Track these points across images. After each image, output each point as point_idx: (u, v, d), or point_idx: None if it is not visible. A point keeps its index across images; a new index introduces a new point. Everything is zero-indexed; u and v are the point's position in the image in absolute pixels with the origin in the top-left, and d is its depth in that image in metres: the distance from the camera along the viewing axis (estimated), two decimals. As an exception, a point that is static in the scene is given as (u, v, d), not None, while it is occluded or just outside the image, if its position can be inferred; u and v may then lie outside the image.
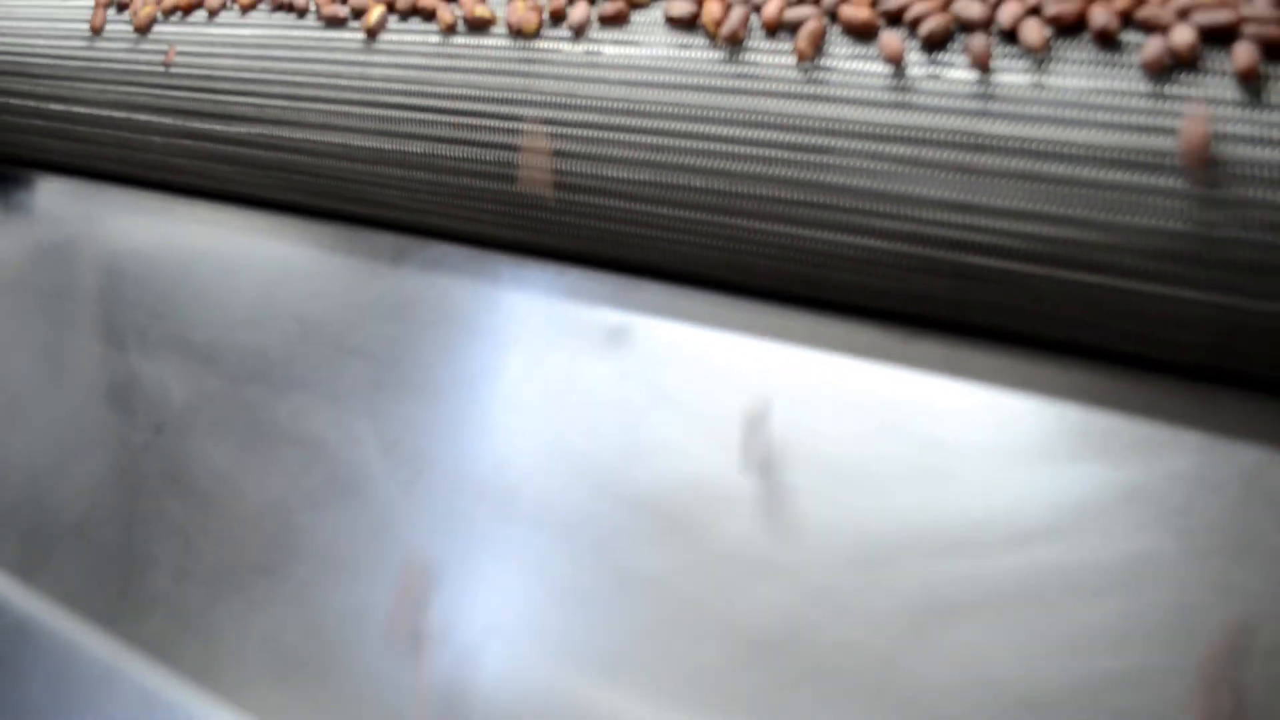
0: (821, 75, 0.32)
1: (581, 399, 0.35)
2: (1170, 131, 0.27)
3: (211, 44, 0.46)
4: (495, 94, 0.38)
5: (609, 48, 0.36)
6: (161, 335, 0.45)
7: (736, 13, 0.34)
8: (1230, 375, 0.28)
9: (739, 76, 0.33)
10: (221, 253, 0.47)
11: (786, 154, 0.32)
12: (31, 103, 0.54)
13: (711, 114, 0.34)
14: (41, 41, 0.53)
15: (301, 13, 0.44)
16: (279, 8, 0.45)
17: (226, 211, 0.48)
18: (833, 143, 0.32)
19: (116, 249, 0.51)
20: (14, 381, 0.48)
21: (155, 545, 0.40)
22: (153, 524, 0.41)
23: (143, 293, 0.47)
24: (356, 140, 0.41)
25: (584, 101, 0.36)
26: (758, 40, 0.33)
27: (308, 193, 0.45)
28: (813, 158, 0.32)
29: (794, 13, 0.33)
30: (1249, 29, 0.27)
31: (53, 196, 0.56)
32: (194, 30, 0.47)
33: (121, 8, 0.50)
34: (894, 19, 0.32)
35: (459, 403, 0.38)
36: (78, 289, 0.50)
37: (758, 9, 0.34)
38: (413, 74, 0.40)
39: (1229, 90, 0.26)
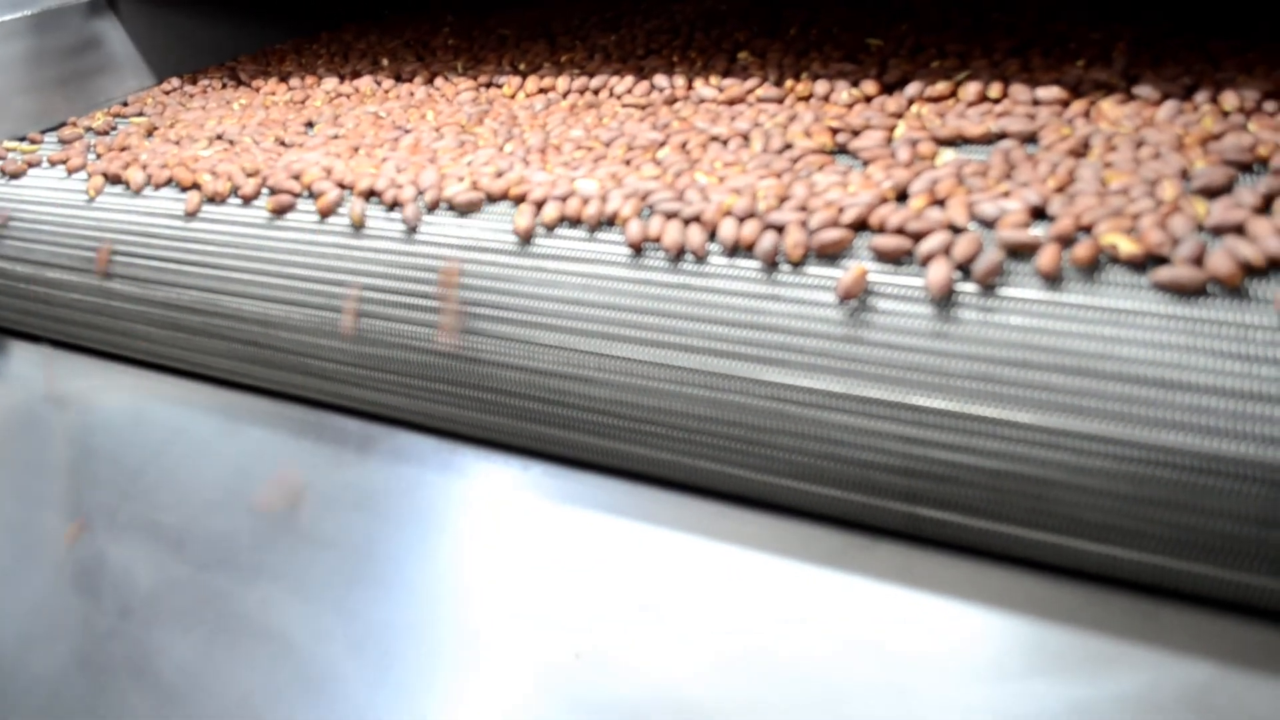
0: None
1: (551, 604, 0.35)
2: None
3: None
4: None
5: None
6: (130, 516, 0.45)
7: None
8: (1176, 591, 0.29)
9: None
10: (193, 432, 0.47)
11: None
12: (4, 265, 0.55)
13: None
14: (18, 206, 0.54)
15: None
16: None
17: (198, 389, 0.48)
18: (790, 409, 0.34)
19: (88, 423, 0.51)
20: (-22, 560, 0.48)
21: (118, 742, 0.39)
22: (116, 718, 0.40)
23: (113, 471, 0.47)
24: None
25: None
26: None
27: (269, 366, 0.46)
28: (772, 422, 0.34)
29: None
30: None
31: (23, 365, 0.57)
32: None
33: (115, 180, 0.52)
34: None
35: (426, 601, 0.38)
36: (47, 462, 0.50)
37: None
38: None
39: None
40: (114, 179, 0.52)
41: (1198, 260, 0.29)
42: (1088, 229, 0.31)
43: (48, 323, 0.55)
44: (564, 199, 0.39)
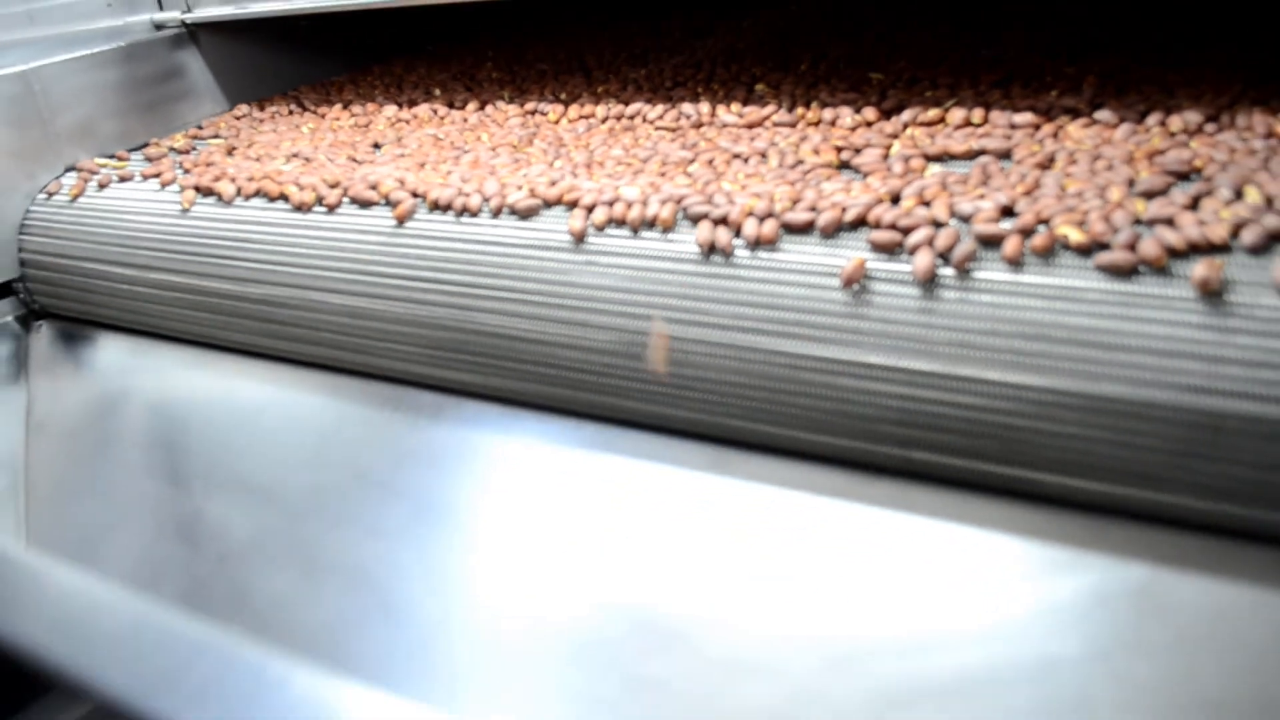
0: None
1: (596, 535, 0.42)
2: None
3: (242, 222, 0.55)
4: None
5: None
6: (225, 477, 0.51)
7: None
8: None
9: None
10: (282, 406, 0.54)
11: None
12: (103, 266, 0.62)
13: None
14: (114, 220, 0.62)
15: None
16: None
17: (286, 371, 0.55)
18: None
19: (180, 401, 0.58)
20: (86, 521, 0.54)
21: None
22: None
23: (206, 440, 0.54)
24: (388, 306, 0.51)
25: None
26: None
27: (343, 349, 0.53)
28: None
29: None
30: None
31: (118, 353, 0.64)
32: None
33: (207, 192, 0.59)
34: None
35: (491, 540, 0.44)
36: (146, 435, 0.57)
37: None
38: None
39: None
40: (206, 191, 0.60)
41: (1132, 246, 0.36)
42: (1045, 222, 0.38)
43: (146, 319, 0.62)
44: (610, 203, 0.46)
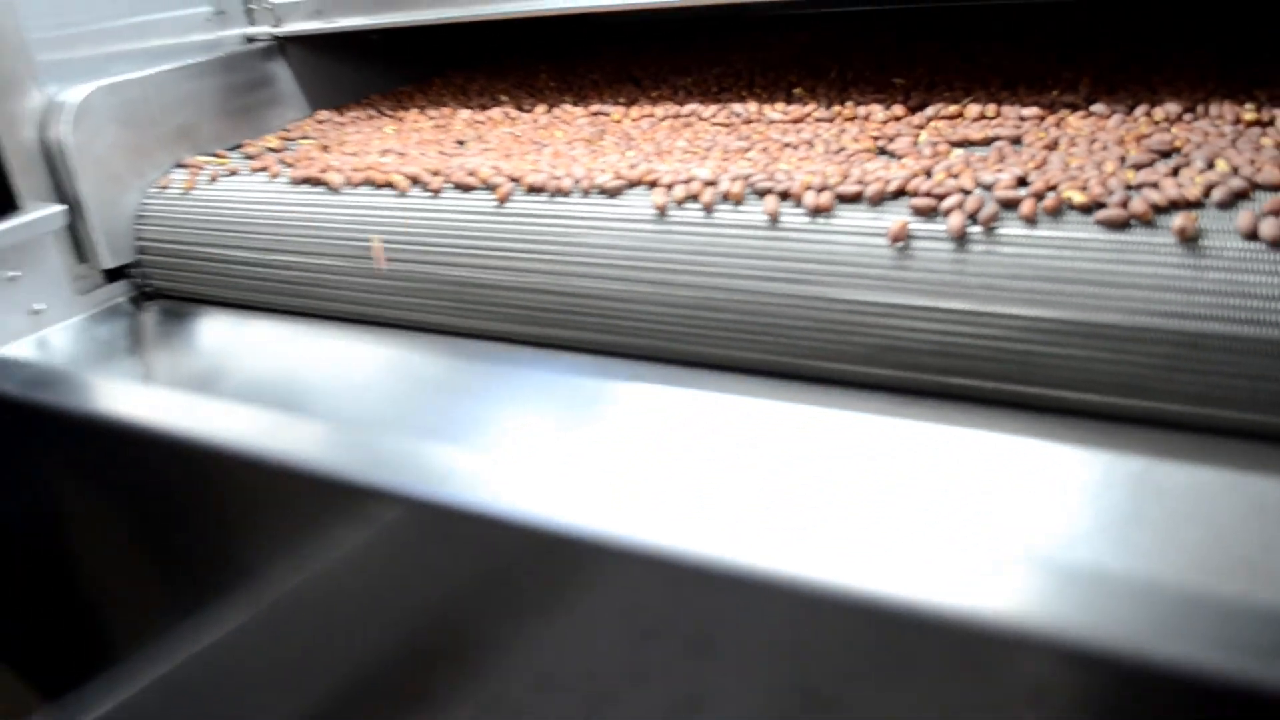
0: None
1: (681, 447, 0.49)
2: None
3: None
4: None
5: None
6: (343, 420, 0.59)
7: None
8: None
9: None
10: (391, 362, 0.62)
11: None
12: (220, 250, 0.71)
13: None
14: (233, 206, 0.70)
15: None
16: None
17: (389, 334, 0.64)
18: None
19: (294, 363, 0.65)
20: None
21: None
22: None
23: (321, 392, 0.61)
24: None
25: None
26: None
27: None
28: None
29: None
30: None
31: (229, 326, 0.71)
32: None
33: (316, 182, 0.67)
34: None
35: (583, 457, 0.51)
36: (263, 392, 0.64)
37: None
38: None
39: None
40: (315, 181, 0.68)
41: (1124, 205, 0.44)
42: (1054, 188, 0.47)
43: (261, 296, 0.70)
44: (687, 182, 0.55)
